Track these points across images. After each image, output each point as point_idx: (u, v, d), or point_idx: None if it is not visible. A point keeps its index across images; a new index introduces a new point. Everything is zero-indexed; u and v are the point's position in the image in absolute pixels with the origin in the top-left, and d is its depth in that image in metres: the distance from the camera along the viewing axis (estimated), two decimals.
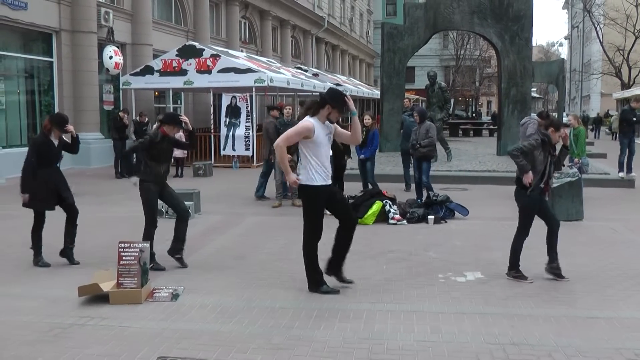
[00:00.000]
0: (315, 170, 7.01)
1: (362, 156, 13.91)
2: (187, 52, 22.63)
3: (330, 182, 7.17)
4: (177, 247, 8.43)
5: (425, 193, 13.07)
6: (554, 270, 7.79)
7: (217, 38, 31.77)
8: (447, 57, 62.96)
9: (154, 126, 10.21)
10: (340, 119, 8.17)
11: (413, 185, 14.76)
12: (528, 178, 7.57)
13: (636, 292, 7.32)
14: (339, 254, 7.35)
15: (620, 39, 53.42)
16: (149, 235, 8.17)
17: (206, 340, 5.71)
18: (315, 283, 7.24)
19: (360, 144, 13.27)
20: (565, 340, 5.71)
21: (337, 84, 34.43)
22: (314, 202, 7.13)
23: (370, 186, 13.71)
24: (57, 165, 8.69)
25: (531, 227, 7.82)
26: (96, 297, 6.87)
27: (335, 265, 7.39)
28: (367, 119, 13.69)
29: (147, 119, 20.47)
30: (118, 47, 23.19)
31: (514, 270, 7.84)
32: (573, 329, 6.05)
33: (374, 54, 66.04)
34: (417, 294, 7.19)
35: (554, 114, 29.20)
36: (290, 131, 7.11)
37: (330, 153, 7.39)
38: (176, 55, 22.57)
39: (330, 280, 7.33)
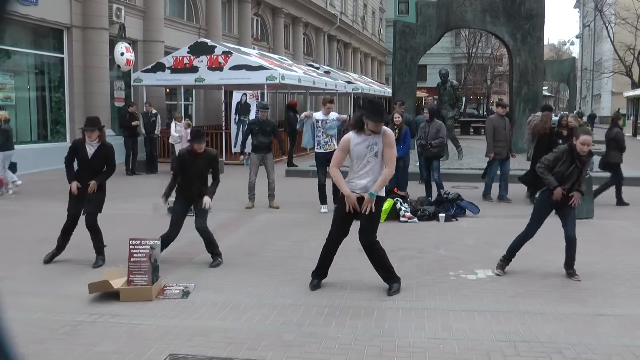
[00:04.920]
0: (348, 179, 7.14)
1: None
2: (198, 49, 22.59)
3: (359, 193, 7.02)
4: (213, 255, 8.53)
5: (437, 191, 13.00)
6: (570, 276, 7.76)
7: (229, 35, 31.76)
8: (459, 55, 62.79)
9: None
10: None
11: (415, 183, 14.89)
12: (558, 194, 7.48)
13: None
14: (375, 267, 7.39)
15: (631, 38, 53.06)
16: (165, 236, 8.14)
17: (217, 338, 5.72)
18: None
19: None
20: (575, 337, 5.71)
21: (349, 82, 34.42)
22: (338, 204, 7.39)
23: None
24: (89, 174, 8.40)
25: (535, 228, 7.82)
26: (106, 294, 6.89)
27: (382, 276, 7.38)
28: (397, 118, 13.29)
29: (153, 109, 20.44)
30: (129, 44, 23.14)
31: (502, 260, 7.96)
32: (583, 326, 6.04)
33: (386, 52, 65.83)
34: (428, 292, 7.19)
35: (565, 112, 29.15)
36: (336, 152, 7.41)
37: (371, 163, 7.13)
38: (188, 52, 22.54)
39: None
